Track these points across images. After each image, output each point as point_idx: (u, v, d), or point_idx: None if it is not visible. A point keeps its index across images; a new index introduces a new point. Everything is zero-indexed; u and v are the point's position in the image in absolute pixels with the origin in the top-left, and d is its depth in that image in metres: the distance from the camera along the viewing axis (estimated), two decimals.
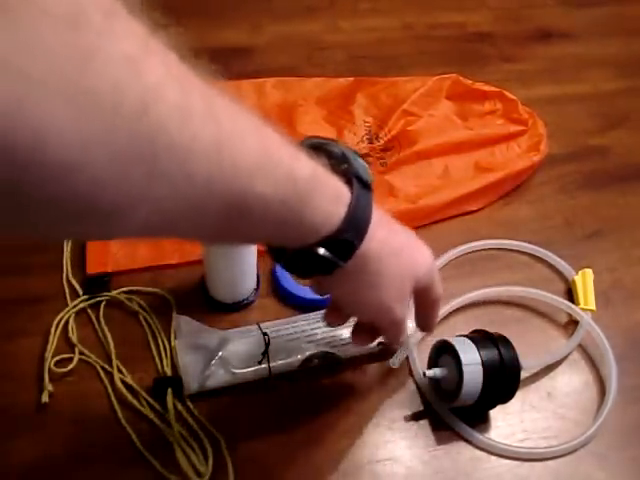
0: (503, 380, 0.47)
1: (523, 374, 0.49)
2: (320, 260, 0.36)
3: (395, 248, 0.40)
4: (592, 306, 0.57)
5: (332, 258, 0.36)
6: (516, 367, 0.47)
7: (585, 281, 0.58)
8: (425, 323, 0.48)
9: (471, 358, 0.47)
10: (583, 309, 0.56)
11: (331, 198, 0.35)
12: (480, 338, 0.49)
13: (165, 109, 0.24)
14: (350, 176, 0.37)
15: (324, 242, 0.35)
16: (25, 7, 0.19)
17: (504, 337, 0.49)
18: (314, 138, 0.39)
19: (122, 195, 0.24)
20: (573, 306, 0.56)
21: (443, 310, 0.55)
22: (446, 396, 0.49)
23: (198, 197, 0.27)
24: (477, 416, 0.50)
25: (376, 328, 0.45)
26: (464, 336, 0.49)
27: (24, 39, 0.19)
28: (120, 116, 0.22)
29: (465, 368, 0.46)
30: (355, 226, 0.36)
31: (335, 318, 0.46)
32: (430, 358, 0.50)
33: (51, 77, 0.20)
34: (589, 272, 0.59)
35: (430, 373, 0.48)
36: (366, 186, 0.37)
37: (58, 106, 0.20)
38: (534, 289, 0.57)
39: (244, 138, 0.29)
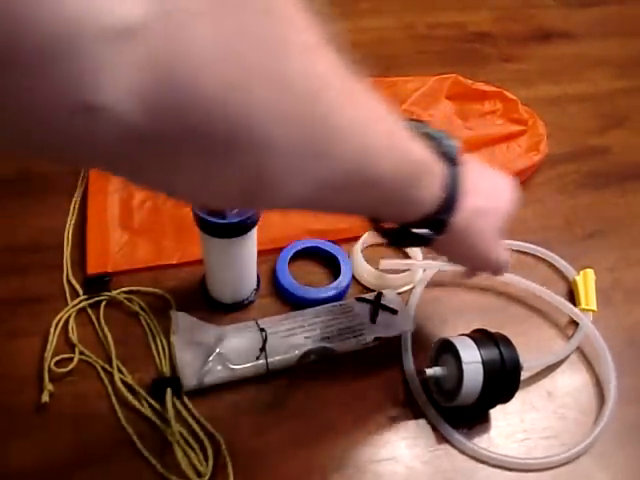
0: (503, 380, 0.47)
1: (523, 374, 0.48)
2: (417, 237, 0.41)
3: (482, 208, 0.43)
4: (593, 306, 0.57)
5: (427, 234, 0.41)
6: (517, 367, 0.47)
7: (586, 281, 0.58)
8: None
9: (471, 357, 0.47)
10: (584, 309, 0.56)
11: (433, 180, 0.38)
12: (481, 337, 0.49)
13: (332, 96, 0.28)
14: (441, 156, 0.40)
15: (423, 221, 0.40)
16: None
17: (505, 337, 0.49)
18: (408, 120, 0.41)
19: (286, 165, 0.27)
20: (573, 308, 0.56)
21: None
22: (446, 395, 0.49)
23: (340, 174, 0.31)
24: (477, 416, 0.50)
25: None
26: (465, 335, 0.49)
27: (241, 27, 0.22)
28: (301, 98, 0.25)
29: (465, 367, 0.46)
30: (448, 205, 0.40)
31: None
32: (430, 357, 0.50)
33: (256, 62, 0.23)
34: (590, 272, 0.59)
35: (430, 372, 0.48)
36: (455, 163, 0.40)
37: (256, 85, 0.23)
38: (537, 285, 0.57)
39: (378, 122, 0.32)
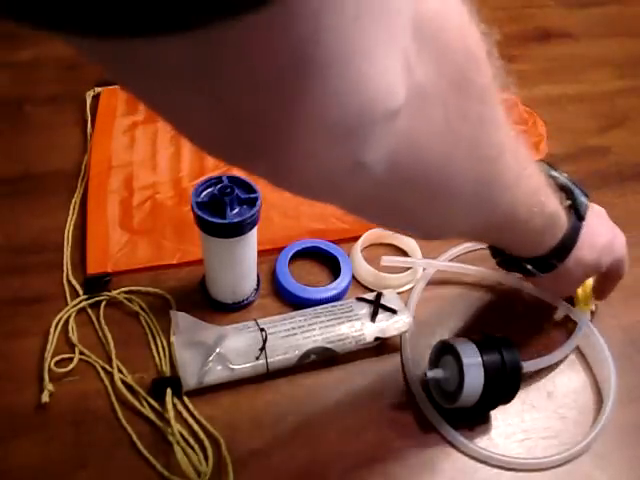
0: (504, 381, 0.47)
1: (522, 374, 0.48)
2: (525, 270, 0.48)
3: (588, 262, 0.48)
4: (591, 306, 0.57)
5: (534, 271, 0.48)
6: (517, 368, 0.47)
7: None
8: (601, 293, 0.55)
9: (472, 359, 0.47)
10: (583, 309, 0.56)
11: (556, 231, 0.44)
12: (482, 339, 0.49)
13: (505, 159, 0.34)
14: (570, 210, 0.45)
15: (533, 260, 0.47)
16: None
17: (506, 338, 0.49)
18: (544, 163, 0.47)
19: (463, 211, 0.34)
20: (571, 307, 0.56)
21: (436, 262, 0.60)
22: (447, 397, 0.49)
23: (492, 218, 0.37)
24: (477, 416, 0.50)
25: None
26: (465, 337, 0.49)
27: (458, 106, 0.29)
28: (487, 162, 0.32)
29: (466, 369, 0.46)
30: (561, 253, 0.46)
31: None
32: (430, 359, 0.50)
33: (466, 135, 0.30)
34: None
35: (431, 374, 0.48)
36: (580, 219, 0.46)
37: (463, 153, 0.30)
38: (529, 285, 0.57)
39: (529, 180, 0.38)
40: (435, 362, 0.50)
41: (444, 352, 0.49)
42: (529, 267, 0.48)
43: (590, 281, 0.58)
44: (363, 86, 0.22)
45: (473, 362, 0.46)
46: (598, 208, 0.51)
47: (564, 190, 0.46)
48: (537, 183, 0.40)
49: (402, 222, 0.35)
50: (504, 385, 0.47)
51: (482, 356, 0.47)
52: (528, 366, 0.50)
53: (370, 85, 0.22)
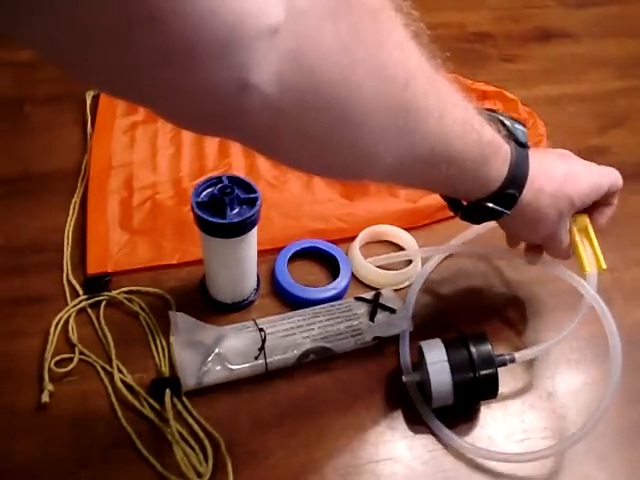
0: (476, 376, 0.47)
1: (526, 367, 0.48)
2: (489, 211, 0.46)
3: (550, 192, 0.47)
4: (600, 265, 0.52)
5: (498, 209, 0.46)
6: (489, 361, 0.48)
7: (585, 234, 0.52)
8: (594, 222, 0.53)
9: (437, 357, 0.47)
10: (588, 273, 0.51)
11: (501, 159, 0.44)
12: (450, 337, 0.49)
13: (418, 85, 0.33)
14: (509, 139, 0.45)
15: (491, 197, 0.45)
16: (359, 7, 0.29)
17: (479, 333, 0.49)
18: (481, 108, 0.45)
19: (382, 142, 0.34)
20: (576, 277, 0.52)
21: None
22: (427, 398, 0.49)
23: (422, 151, 0.37)
24: (477, 416, 0.50)
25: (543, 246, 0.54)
26: (438, 337, 0.50)
27: (356, 28, 0.29)
28: (394, 85, 0.32)
29: (430, 367, 0.47)
30: (515, 182, 0.45)
31: (531, 253, 0.54)
32: (415, 363, 0.51)
33: (361, 55, 0.29)
34: (583, 219, 0.52)
35: (408, 378, 0.49)
36: (523, 146, 0.46)
37: (362, 74, 0.30)
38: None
39: (455, 109, 0.38)
40: (418, 366, 0.50)
41: (421, 355, 0.49)
42: (490, 205, 0.45)
43: (590, 230, 0.53)
44: (228, 4, 0.23)
45: (437, 360, 0.47)
46: (560, 150, 0.52)
47: (500, 124, 0.46)
48: (465, 112, 0.39)
49: (317, 158, 0.34)
50: (478, 379, 0.47)
51: (448, 353, 0.47)
52: (527, 354, 0.50)
53: (235, 3, 0.23)
